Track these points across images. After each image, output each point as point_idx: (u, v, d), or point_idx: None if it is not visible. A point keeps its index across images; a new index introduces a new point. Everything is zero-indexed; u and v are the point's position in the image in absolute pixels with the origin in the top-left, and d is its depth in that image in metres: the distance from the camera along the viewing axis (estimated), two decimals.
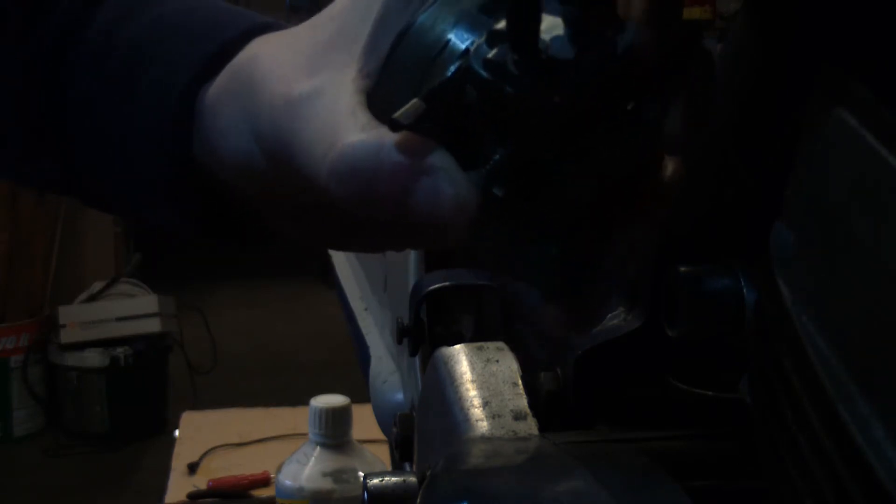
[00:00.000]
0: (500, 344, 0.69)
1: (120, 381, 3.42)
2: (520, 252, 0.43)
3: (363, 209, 0.41)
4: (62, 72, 0.51)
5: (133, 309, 3.48)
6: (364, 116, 0.41)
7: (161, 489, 1.99)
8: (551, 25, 0.39)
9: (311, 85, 0.42)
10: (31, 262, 3.53)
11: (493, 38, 0.39)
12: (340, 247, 0.54)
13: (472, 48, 0.40)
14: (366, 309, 1.57)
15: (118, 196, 0.53)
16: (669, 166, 0.43)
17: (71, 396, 3.45)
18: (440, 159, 0.39)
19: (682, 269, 0.53)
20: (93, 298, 3.53)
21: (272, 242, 0.52)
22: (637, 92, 0.40)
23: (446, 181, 0.39)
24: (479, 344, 0.70)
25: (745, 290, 0.52)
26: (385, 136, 0.40)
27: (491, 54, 0.39)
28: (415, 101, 0.39)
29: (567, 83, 0.38)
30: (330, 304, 2.17)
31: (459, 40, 0.40)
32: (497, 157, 0.39)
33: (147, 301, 3.52)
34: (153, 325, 3.48)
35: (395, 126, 0.40)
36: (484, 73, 0.39)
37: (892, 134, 0.32)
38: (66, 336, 3.42)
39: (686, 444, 0.61)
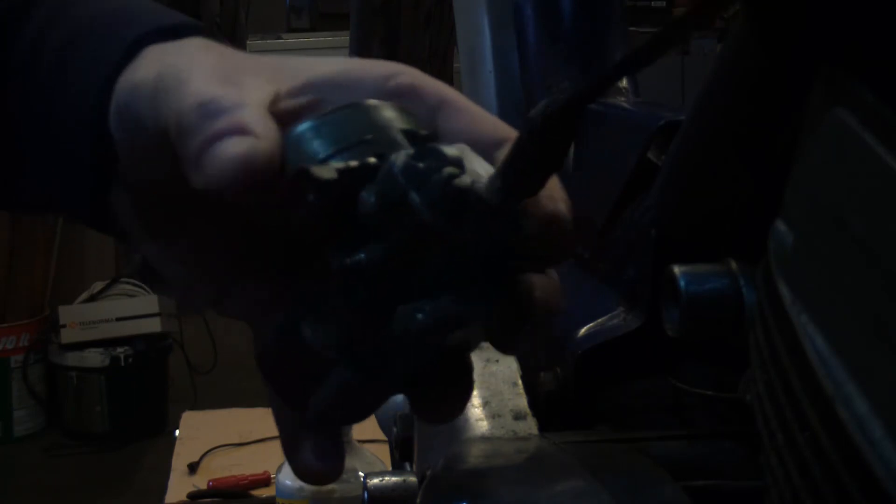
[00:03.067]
0: None
1: (120, 381, 3.41)
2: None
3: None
4: None
5: (133, 309, 3.48)
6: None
7: (161, 489, 1.99)
8: (488, 174, 0.40)
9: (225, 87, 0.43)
10: (31, 262, 3.52)
11: (421, 152, 0.40)
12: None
13: (395, 159, 0.40)
14: None
15: (38, 192, 0.53)
16: (536, 286, 0.42)
17: (71, 396, 3.45)
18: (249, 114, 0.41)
19: (682, 269, 0.53)
20: (93, 298, 3.52)
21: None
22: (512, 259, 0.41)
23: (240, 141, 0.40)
24: None
25: (744, 290, 0.52)
26: (246, 97, 0.42)
27: (420, 164, 0.39)
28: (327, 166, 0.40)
29: (472, 223, 0.39)
30: None
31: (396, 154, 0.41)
32: (362, 255, 0.40)
33: (147, 301, 3.51)
34: (153, 325, 3.47)
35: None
36: (401, 179, 0.39)
37: (892, 134, 0.32)
38: (66, 336, 3.41)
39: (686, 444, 0.61)
